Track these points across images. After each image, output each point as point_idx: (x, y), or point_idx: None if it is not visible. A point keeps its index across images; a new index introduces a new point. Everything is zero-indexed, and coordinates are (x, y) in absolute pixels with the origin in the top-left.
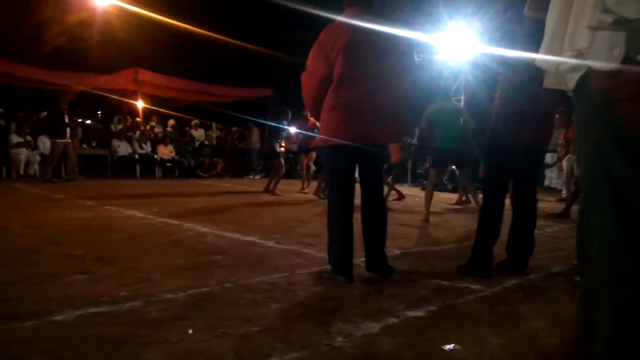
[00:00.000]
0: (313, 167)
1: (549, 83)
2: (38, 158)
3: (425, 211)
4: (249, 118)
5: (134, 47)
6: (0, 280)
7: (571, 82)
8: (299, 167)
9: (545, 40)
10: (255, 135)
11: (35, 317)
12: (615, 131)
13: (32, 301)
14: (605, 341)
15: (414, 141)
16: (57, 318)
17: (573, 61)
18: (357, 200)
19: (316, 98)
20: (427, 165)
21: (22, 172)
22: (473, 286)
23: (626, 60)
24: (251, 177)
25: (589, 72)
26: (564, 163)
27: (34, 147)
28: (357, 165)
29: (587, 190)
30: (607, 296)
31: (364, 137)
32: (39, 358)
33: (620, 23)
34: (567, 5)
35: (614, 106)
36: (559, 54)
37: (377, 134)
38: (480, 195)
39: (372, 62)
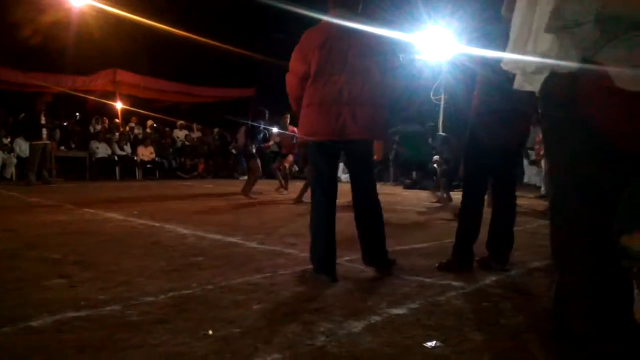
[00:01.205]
0: (295, 168)
1: (518, 84)
2: (14, 161)
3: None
4: (232, 119)
5: (111, 47)
6: None
7: (537, 83)
8: (274, 167)
9: (510, 43)
10: (242, 136)
11: (12, 323)
12: (579, 131)
13: (8, 307)
14: (582, 328)
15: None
16: (34, 324)
17: (534, 61)
18: (341, 200)
19: (298, 97)
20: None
21: None
22: (454, 283)
23: (584, 61)
24: (239, 178)
25: (552, 74)
26: (543, 160)
27: (10, 150)
28: (342, 163)
29: (554, 188)
30: (581, 286)
31: (341, 133)
32: None
33: (571, 27)
34: (531, 9)
35: (576, 106)
36: (525, 54)
37: (354, 130)
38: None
39: (349, 59)
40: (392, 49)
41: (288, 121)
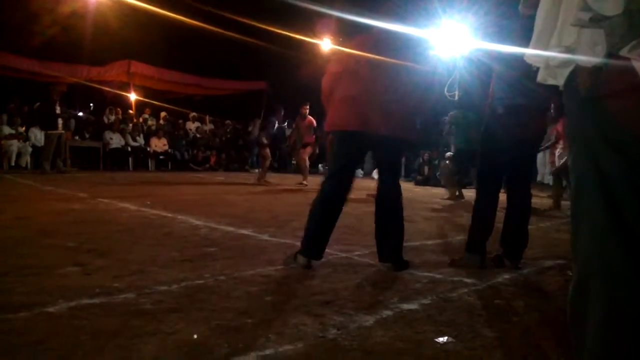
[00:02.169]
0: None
1: (541, 78)
2: (30, 150)
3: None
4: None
5: (126, 38)
6: None
7: (561, 77)
8: (293, 162)
9: (534, 36)
10: (256, 128)
11: (28, 309)
12: (602, 126)
13: (24, 293)
14: (596, 334)
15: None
16: (50, 309)
17: (559, 56)
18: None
19: (330, 95)
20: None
21: (13, 163)
22: (466, 280)
23: (609, 56)
24: (256, 170)
25: (577, 68)
26: (556, 158)
27: (25, 138)
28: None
29: (577, 184)
30: (599, 290)
31: (369, 126)
32: (31, 349)
33: (598, 20)
34: (556, 2)
35: (600, 102)
36: (546, 48)
37: (384, 125)
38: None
39: (386, 58)
40: (427, 51)
41: (307, 111)
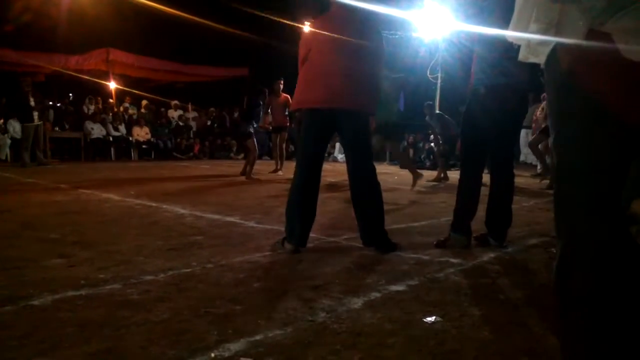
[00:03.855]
0: (292, 148)
1: (522, 56)
2: (8, 142)
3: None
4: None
5: (104, 26)
6: None
7: (543, 55)
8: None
9: (515, 14)
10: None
11: (12, 302)
12: (584, 101)
13: (8, 285)
14: (583, 309)
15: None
16: (35, 302)
17: (538, 37)
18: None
19: None
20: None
21: None
22: (453, 260)
23: (591, 32)
24: (231, 156)
25: (558, 45)
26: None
27: (3, 130)
28: (338, 143)
29: (559, 159)
30: (583, 262)
31: (334, 101)
32: (17, 342)
33: None
34: None
35: (581, 76)
36: (526, 26)
37: (349, 100)
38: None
39: (348, 35)
40: (380, 27)
41: (281, 87)
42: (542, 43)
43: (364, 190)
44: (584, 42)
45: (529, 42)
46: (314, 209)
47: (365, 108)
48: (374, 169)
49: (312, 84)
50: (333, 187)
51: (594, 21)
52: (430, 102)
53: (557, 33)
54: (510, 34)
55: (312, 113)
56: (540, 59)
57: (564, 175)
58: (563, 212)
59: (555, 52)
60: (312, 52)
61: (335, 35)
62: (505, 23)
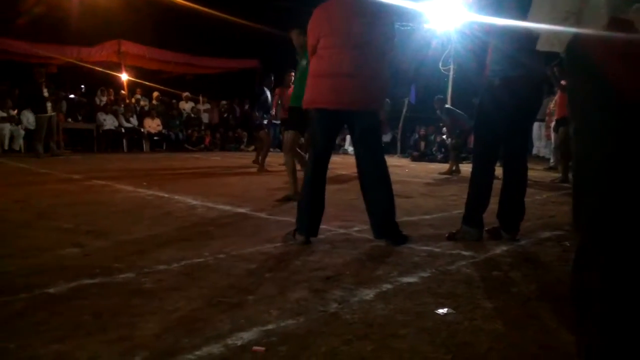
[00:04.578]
0: (301, 139)
1: (541, 45)
2: (22, 133)
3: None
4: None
5: (116, 17)
6: None
7: (563, 43)
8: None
9: (535, 1)
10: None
11: (28, 290)
12: (605, 91)
13: (23, 274)
14: (601, 302)
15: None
16: (51, 290)
17: (558, 27)
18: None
19: None
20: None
21: (6, 147)
22: (464, 252)
23: (613, 19)
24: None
25: (579, 33)
26: (551, 132)
27: (17, 121)
28: (349, 136)
29: (579, 151)
30: (601, 258)
31: (345, 102)
32: (33, 329)
33: None
34: None
35: (602, 66)
36: (549, 14)
37: (361, 101)
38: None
39: (353, 30)
40: (393, 19)
41: (292, 79)
42: (562, 31)
43: (375, 184)
44: (605, 31)
45: (548, 30)
46: (323, 201)
47: (373, 105)
48: (385, 162)
49: (320, 83)
50: (343, 179)
51: (616, 9)
52: (441, 96)
53: (577, 21)
54: (529, 24)
55: (319, 112)
56: (560, 48)
57: (584, 166)
58: (582, 203)
59: (576, 40)
60: (320, 44)
61: (343, 29)
62: (518, 13)
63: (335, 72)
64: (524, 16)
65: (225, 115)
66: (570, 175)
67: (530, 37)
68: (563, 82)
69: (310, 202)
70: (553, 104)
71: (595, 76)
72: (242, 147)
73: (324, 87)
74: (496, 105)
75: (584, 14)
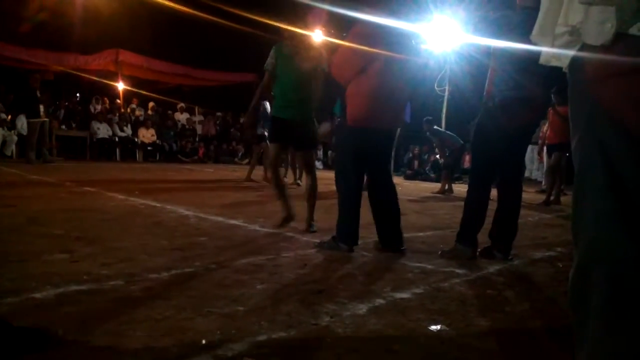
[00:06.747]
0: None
1: (544, 60)
2: (15, 138)
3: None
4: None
5: (115, 27)
6: None
7: (566, 58)
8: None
9: (540, 16)
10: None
11: (15, 294)
12: (608, 107)
13: (10, 278)
14: (598, 320)
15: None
16: (37, 295)
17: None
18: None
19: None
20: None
21: None
22: (458, 270)
23: (618, 35)
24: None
25: (583, 48)
26: (544, 155)
27: (10, 126)
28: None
29: (580, 167)
30: (600, 275)
31: (380, 123)
32: None
33: None
34: None
35: (606, 82)
36: (552, 29)
37: (391, 120)
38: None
39: (396, 49)
40: (419, 45)
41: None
42: (565, 46)
43: (384, 194)
44: (611, 45)
45: (552, 44)
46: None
47: (395, 125)
48: (391, 173)
49: (372, 103)
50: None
51: (623, 23)
52: (430, 118)
53: (582, 36)
54: (534, 34)
55: (365, 131)
56: (563, 63)
57: (584, 185)
58: (581, 222)
59: (580, 55)
60: (364, 67)
61: (384, 54)
62: (520, 35)
63: (375, 96)
64: (526, 38)
65: (220, 128)
66: (561, 198)
67: (532, 59)
68: (559, 109)
69: (355, 214)
70: (546, 127)
71: (597, 94)
72: (237, 159)
73: (369, 108)
74: (495, 125)
75: (588, 28)
